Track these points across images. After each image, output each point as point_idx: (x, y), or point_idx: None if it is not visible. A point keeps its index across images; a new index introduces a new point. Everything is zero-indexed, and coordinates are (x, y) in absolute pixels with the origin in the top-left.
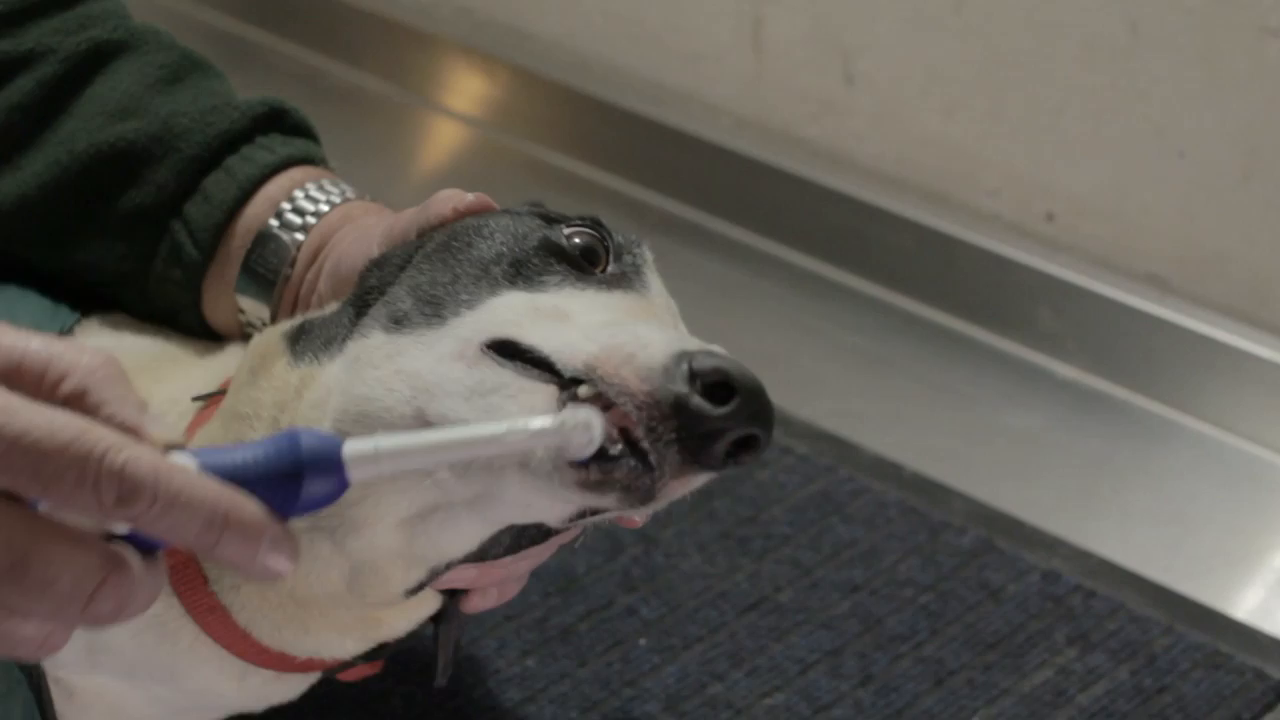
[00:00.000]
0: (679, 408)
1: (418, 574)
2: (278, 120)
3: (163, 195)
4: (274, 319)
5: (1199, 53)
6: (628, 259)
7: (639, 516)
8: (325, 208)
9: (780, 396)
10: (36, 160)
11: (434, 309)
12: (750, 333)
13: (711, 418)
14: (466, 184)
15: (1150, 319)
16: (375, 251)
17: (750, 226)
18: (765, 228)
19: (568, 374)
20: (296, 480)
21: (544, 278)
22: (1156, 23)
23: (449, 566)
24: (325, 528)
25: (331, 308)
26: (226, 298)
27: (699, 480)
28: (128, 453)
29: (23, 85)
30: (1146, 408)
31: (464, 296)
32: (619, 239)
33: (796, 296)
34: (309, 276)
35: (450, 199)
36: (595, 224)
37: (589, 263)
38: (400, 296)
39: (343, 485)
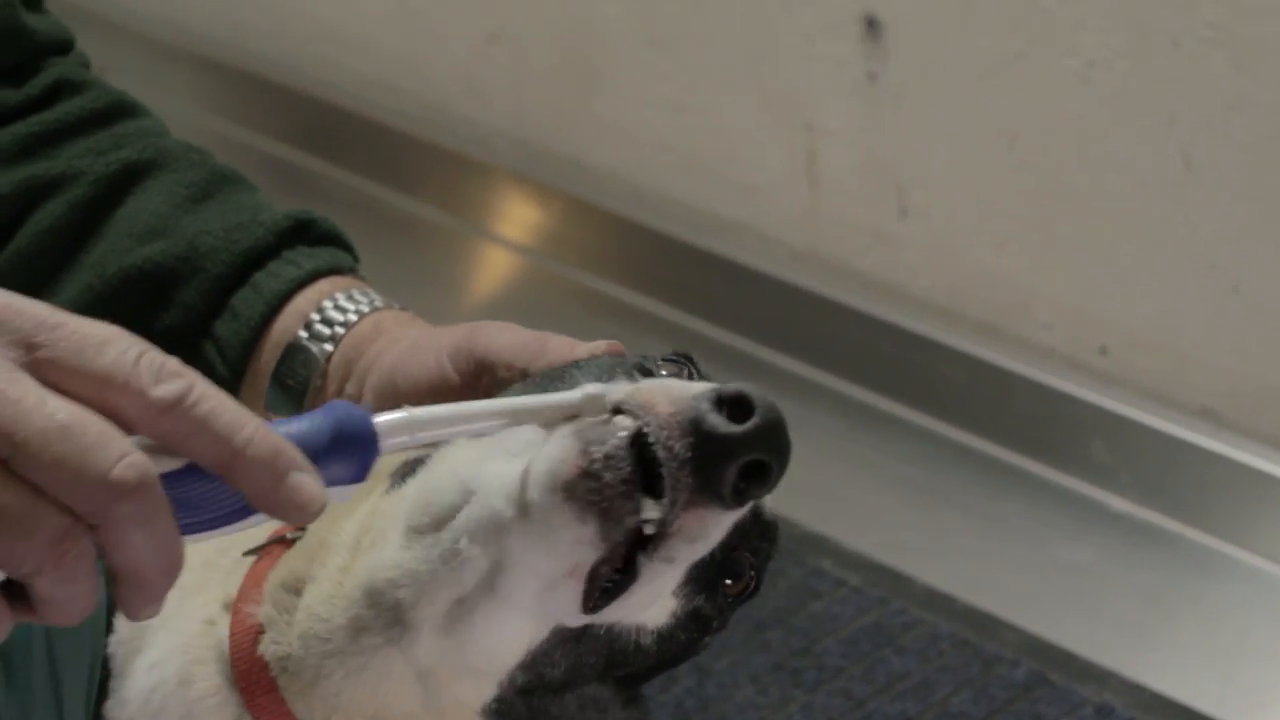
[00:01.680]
0: (696, 424)
1: (486, 688)
2: (305, 232)
3: (191, 316)
4: None
5: (1251, 188)
6: None
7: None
8: (354, 317)
9: (833, 528)
10: (69, 286)
11: None
12: (803, 464)
13: (724, 434)
14: (519, 312)
15: (1203, 452)
16: (433, 364)
17: (803, 357)
18: (818, 359)
19: (610, 402)
20: (329, 451)
21: None
22: (1209, 158)
23: (512, 680)
24: (393, 638)
25: None
26: (258, 414)
27: (714, 523)
28: (166, 357)
29: (54, 209)
30: (1199, 541)
31: None
32: (706, 374)
33: (849, 428)
34: (349, 388)
35: (567, 346)
36: (687, 358)
37: None
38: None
39: (375, 456)
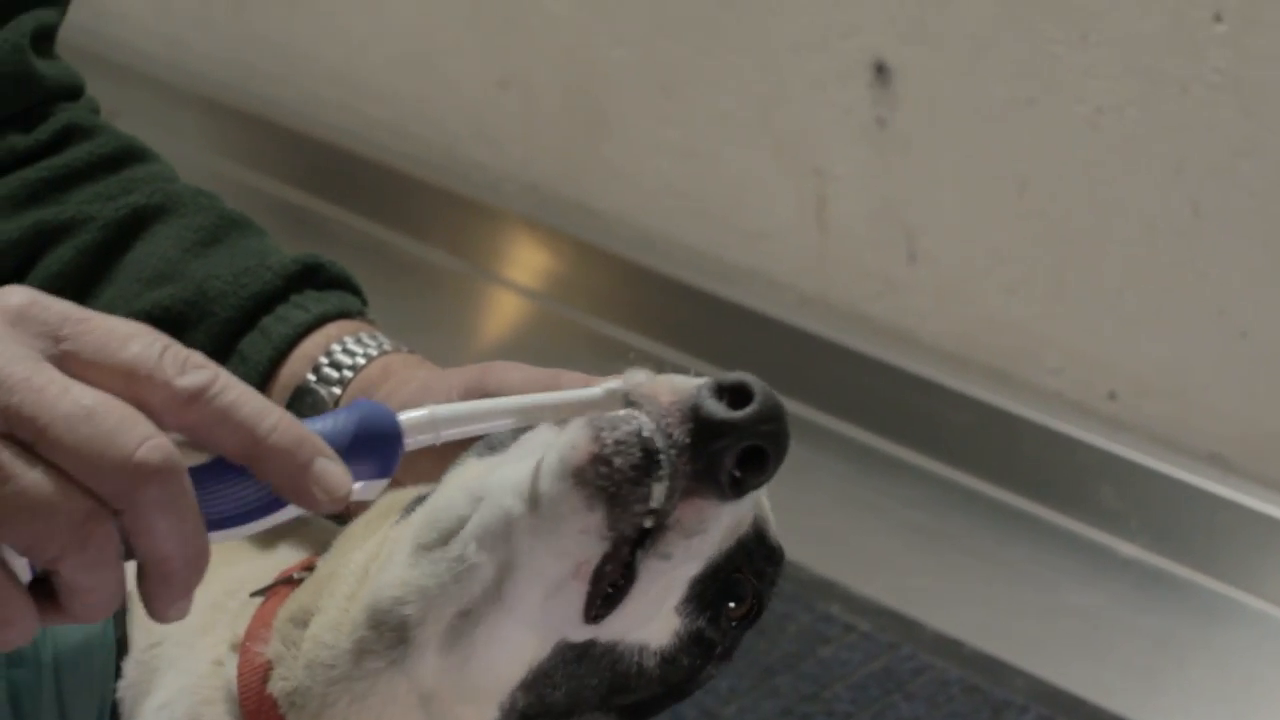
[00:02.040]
0: (695, 409)
1: (487, 711)
2: (313, 276)
3: None
4: None
5: (1260, 233)
6: None
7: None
8: (362, 360)
9: (842, 573)
10: None
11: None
12: (812, 508)
13: (721, 419)
14: (529, 356)
15: (1212, 498)
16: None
17: (813, 402)
18: (828, 403)
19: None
20: (356, 448)
21: None
22: (1218, 204)
23: (513, 703)
24: (396, 659)
25: None
26: None
27: (711, 515)
28: (190, 350)
29: (63, 254)
30: (1208, 586)
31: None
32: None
33: (858, 472)
34: None
35: (580, 382)
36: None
37: None
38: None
39: (399, 452)
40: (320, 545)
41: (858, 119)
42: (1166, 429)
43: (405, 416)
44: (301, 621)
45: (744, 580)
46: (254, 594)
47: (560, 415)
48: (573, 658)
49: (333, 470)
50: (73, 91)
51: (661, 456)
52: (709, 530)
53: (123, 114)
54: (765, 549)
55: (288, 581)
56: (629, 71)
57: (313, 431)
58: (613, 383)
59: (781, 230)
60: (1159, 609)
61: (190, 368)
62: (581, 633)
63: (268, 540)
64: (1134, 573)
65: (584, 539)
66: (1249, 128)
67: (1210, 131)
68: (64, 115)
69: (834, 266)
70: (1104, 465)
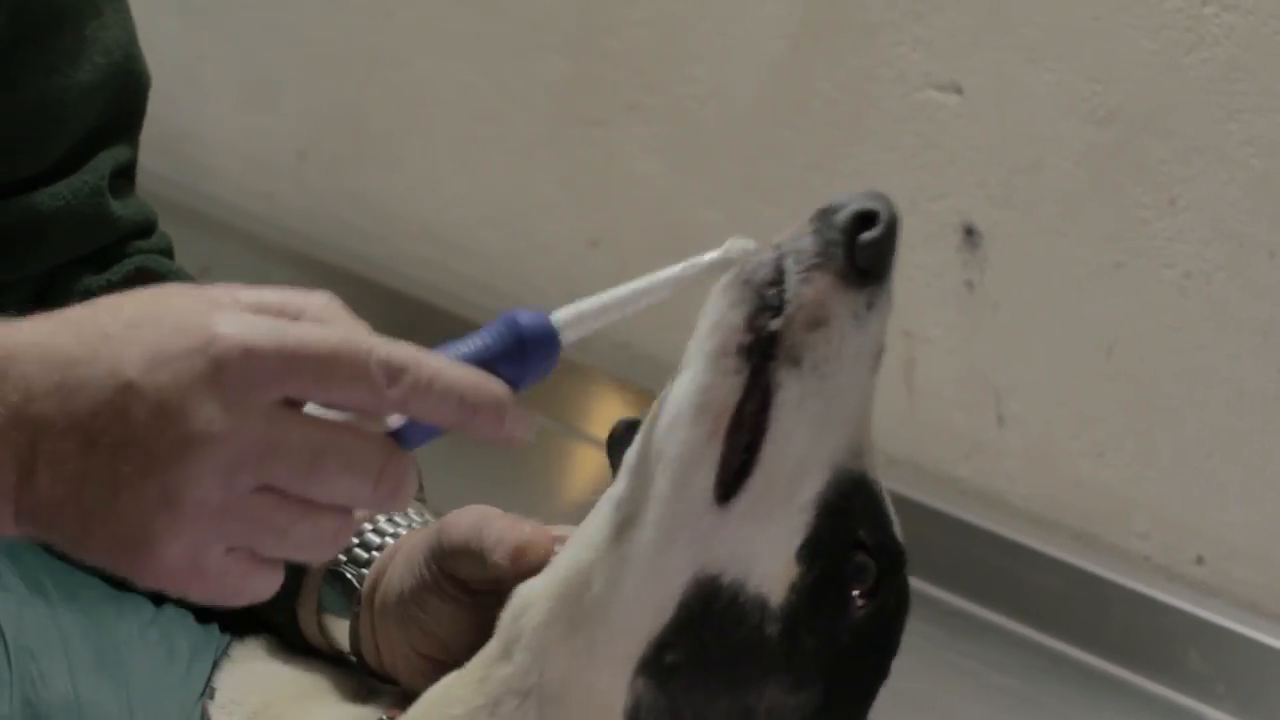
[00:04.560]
0: (820, 214)
1: (614, 675)
2: None
3: None
4: (357, 655)
5: None
6: None
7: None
8: (390, 540)
9: None
10: None
11: None
12: (899, 671)
13: (834, 205)
14: None
15: None
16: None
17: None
18: (915, 566)
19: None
20: (521, 355)
21: None
22: None
23: (644, 661)
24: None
25: None
26: (311, 625)
27: (830, 293)
28: (390, 346)
29: None
30: None
31: None
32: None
33: (946, 635)
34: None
35: (509, 526)
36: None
37: None
38: None
39: (558, 348)
40: (406, 700)
41: (946, 282)
42: (1254, 594)
43: (557, 315)
44: None
45: (864, 562)
46: None
47: (685, 284)
48: (696, 613)
49: (522, 420)
50: (145, 229)
51: (783, 249)
52: (832, 321)
53: (214, 269)
54: (890, 544)
55: None
56: (719, 231)
57: (485, 356)
58: (711, 254)
59: None
60: None
61: (394, 374)
62: (715, 526)
63: (364, 689)
64: None
65: (729, 333)
66: None
67: None
68: (137, 259)
69: (922, 428)
70: (1191, 630)
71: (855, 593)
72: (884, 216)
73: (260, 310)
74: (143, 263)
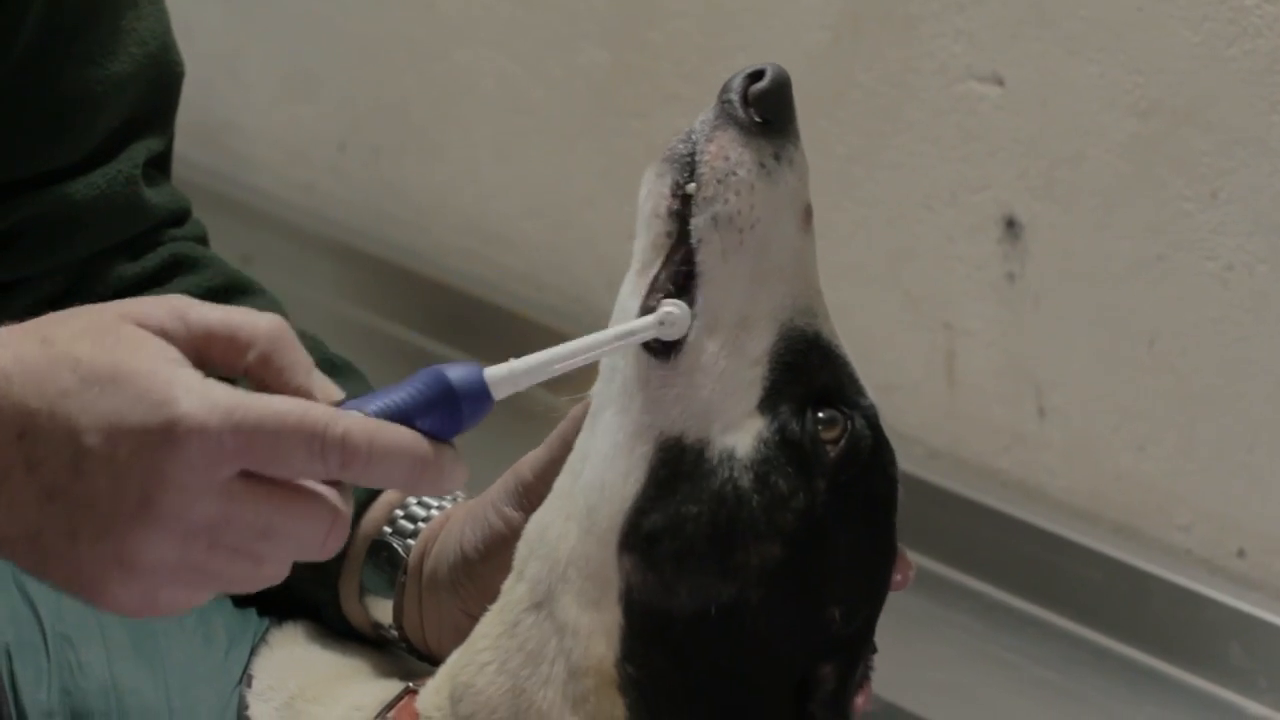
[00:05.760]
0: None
1: (603, 553)
2: None
3: None
4: (398, 628)
5: None
6: None
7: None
8: (436, 513)
9: None
10: None
11: None
12: (939, 664)
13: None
14: None
15: None
16: (492, 519)
17: (940, 556)
18: (955, 559)
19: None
20: (451, 406)
21: None
22: None
23: (625, 532)
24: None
25: None
26: (353, 601)
27: (730, 142)
28: (343, 423)
29: None
30: None
31: None
32: None
33: (986, 627)
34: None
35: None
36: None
37: None
38: None
39: (489, 404)
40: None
41: (987, 274)
42: None
43: (490, 373)
44: (456, 698)
45: (832, 414)
46: (377, 716)
47: (618, 345)
48: (668, 478)
49: (454, 472)
50: (179, 216)
51: (697, 129)
52: (739, 171)
53: (256, 259)
54: (853, 388)
55: (408, 690)
56: None
57: (418, 430)
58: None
59: (910, 384)
60: None
61: (331, 460)
62: (664, 384)
63: (397, 666)
64: None
65: (655, 227)
66: None
67: None
68: (171, 246)
69: (962, 421)
70: (1232, 623)
71: (827, 439)
72: (771, 70)
73: (209, 342)
74: (177, 250)
